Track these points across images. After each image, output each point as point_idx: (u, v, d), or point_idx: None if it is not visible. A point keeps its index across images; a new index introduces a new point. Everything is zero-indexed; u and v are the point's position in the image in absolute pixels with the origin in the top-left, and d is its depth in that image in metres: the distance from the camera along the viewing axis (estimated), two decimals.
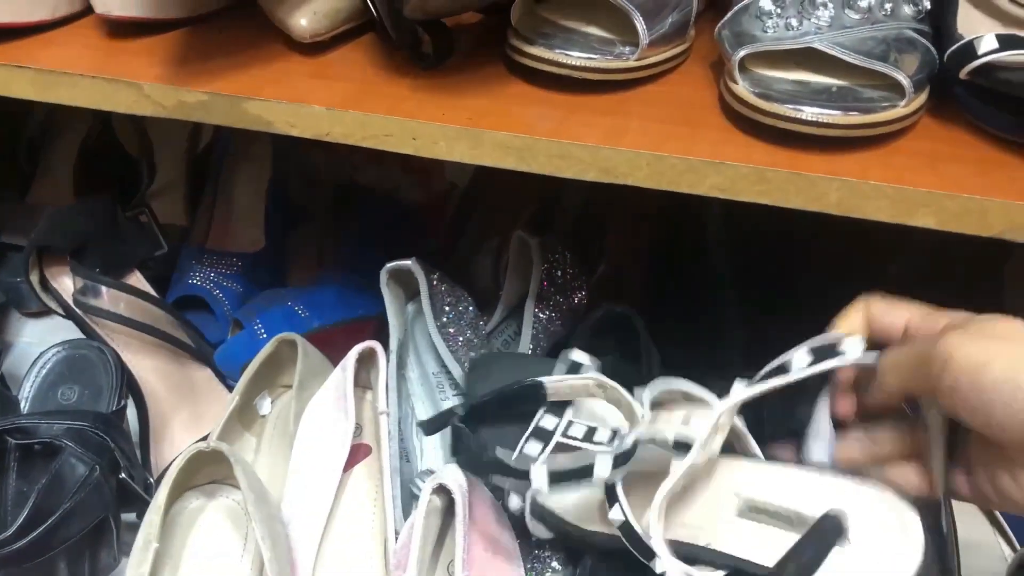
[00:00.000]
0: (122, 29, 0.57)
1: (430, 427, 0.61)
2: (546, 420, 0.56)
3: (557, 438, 0.55)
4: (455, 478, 0.51)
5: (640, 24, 0.49)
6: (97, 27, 0.58)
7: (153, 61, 0.55)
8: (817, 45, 0.46)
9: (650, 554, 0.46)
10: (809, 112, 0.45)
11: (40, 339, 0.80)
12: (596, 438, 0.54)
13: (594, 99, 0.50)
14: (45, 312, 0.82)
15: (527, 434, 0.55)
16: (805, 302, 0.76)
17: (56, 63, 0.54)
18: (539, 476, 0.47)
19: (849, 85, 0.47)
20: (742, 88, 0.47)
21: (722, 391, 0.63)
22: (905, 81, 0.45)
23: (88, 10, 0.59)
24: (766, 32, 0.47)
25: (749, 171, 0.45)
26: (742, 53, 0.47)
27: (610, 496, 0.47)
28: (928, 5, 0.48)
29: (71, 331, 0.72)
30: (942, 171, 0.45)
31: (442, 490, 0.51)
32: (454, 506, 0.51)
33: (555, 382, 0.54)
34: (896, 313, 0.45)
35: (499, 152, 0.48)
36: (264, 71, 0.54)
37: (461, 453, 0.54)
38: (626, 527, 0.47)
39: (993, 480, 0.41)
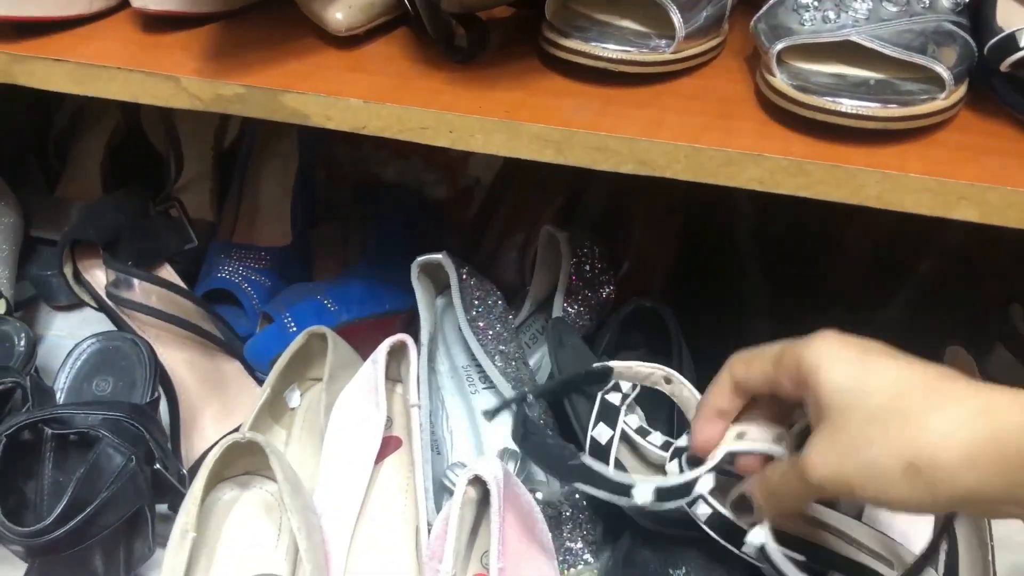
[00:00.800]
0: (158, 23, 0.58)
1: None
2: (611, 396, 0.56)
3: (621, 423, 0.55)
4: (491, 470, 0.51)
5: (677, 17, 0.49)
6: (133, 21, 0.59)
7: (190, 55, 0.55)
8: (855, 38, 0.46)
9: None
10: (848, 104, 0.45)
11: (70, 332, 0.81)
12: (649, 439, 0.55)
13: (630, 92, 0.50)
14: (75, 305, 0.82)
15: (593, 417, 0.55)
16: (832, 295, 0.76)
17: (94, 57, 0.55)
18: (644, 493, 0.47)
19: (888, 78, 0.47)
20: (780, 81, 0.47)
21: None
22: (945, 73, 0.45)
23: (124, 4, 0.59)
24: (803, 25, 0.47)
25: (788, 163, 0.45)
26: (780, 46, 0.47)
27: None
28: None
29: (101, 324, 0.72)
30: (983, 163, 0.45)
31: (477, 481, 0.51)
32: (489, 497, 0.51)
33: (624, 367, 0.55)
34: (754, 369, 0.45)
35: (536, 144, 0.49)
36: (300, 65, 0.54)
37: (528, 441, 0.53)
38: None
39: None
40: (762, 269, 0.73)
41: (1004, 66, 0.45)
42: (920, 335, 0.68)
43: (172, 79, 0.53)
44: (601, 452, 0.54)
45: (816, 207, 0.47)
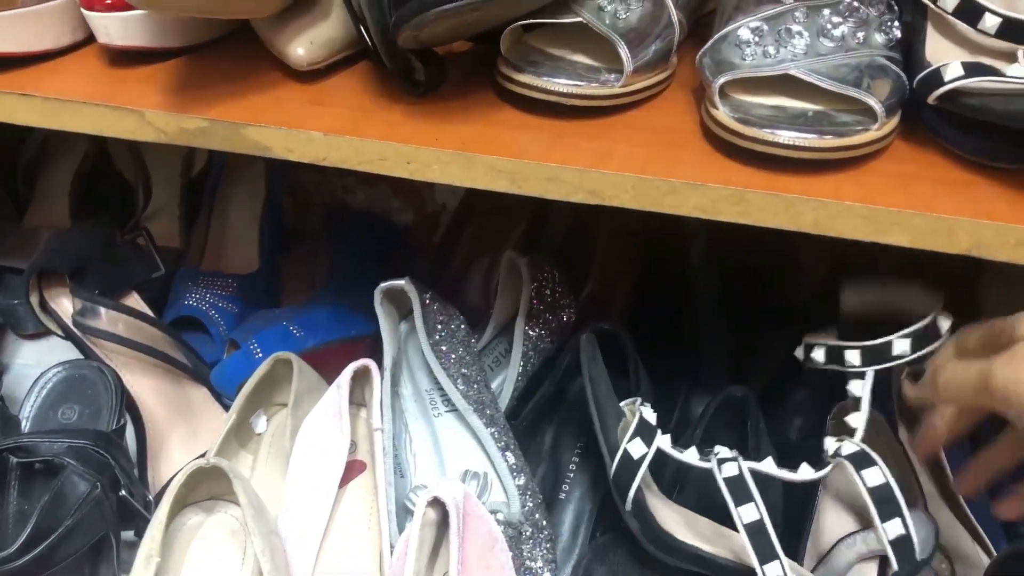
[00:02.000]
0: (123, 58, 0.59)
1: None
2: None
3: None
4: (450, 491, 0.52)
5: (624, 52, 0.51)
6: (99, 56, 0.60)
7: (154, 89, 0.56)
8: (793, 72, 0.48)
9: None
10: (786, 136, 0.47)
11: (36, 360, 0.81)
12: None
13: (581, 124, 0.52)
14: (41, 334, 0.83)
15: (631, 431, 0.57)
16: (784, 317, 0.78)
17: (60, 91, 0.56)
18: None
19: (824, 110, 0.49)
20: (722, 113, 0.49)
21: (706, 406, 0.65)
22: (877, 106, 0.47)
23: (90, 39, 0.61)
24: (745, 60, 0.49)
25: (729, 193, 0.47)
26: (722, 80, 0.49)
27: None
28: (899, 34, 0.51)
29: (67, 352, 0.73)
30: (913, 191, 0.47)
31: (437, 503, 0.53)
32: (448, 519, 0.52)
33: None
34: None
35: (491, 175, 0.50)
36: (262, 98, 0.56)
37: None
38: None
39: None
40: (717, 292, 0.75)
41: (931, 99, 0.48)
42: None
43: (137, 113, 0.55)
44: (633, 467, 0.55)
45: (768, 231, 0.49)
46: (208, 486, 0.59)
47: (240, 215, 0.89)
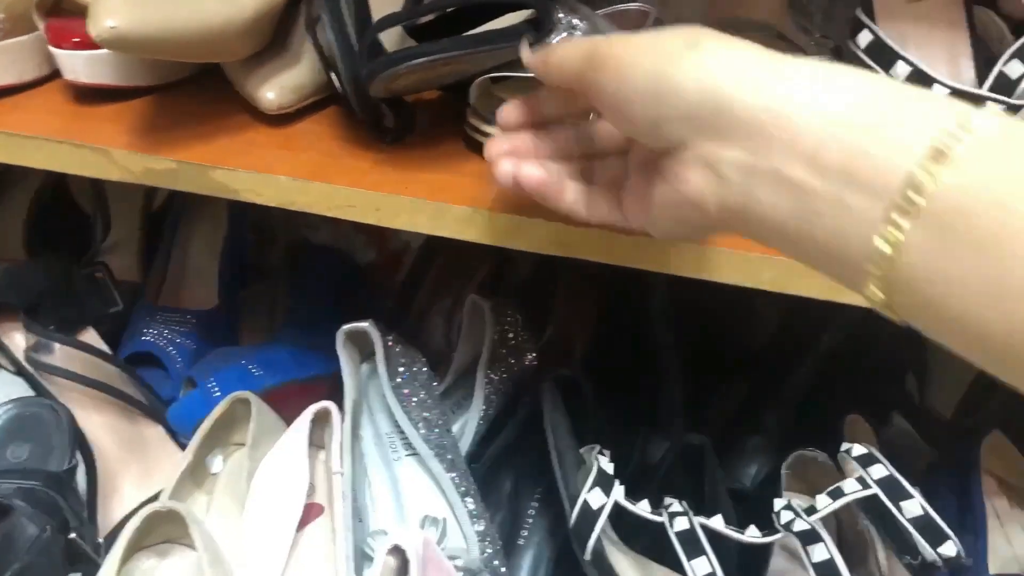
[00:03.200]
0: (90, 95, 0.59)
1: None
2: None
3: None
4: (410, 539, 0.52)
5: None
6: (64, 92, 0.60)
7: (121, 128, 0.56)
8: None
9: None
10: None
11: None
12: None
13: None
14: None
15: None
16: (740, 364, 0.80)
17: (24, 127, 0.56)
18: None
19: None
20: None
21: (665, 453, 0.66)
22: None
23: (55, 74, 0.60)
24: None
25: (691, 250, 0.49)
26: None
27: None
28: None
29: (14, 387, 0.71)
30: None
31: (397, 550, 0.53)
32: (408, 567, 0.52)
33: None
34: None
35: (459, 225, 0.51)
36: (231, 141, 0.56)
37: None
38: None
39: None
40: (675, 339, 0.76)
41: None
42: (823, 404, 0.72)
43: (103, 151, 0.55)
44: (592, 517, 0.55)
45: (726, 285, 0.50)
46: (163, 529, 0.58)
47: (200, 250, 0.88)
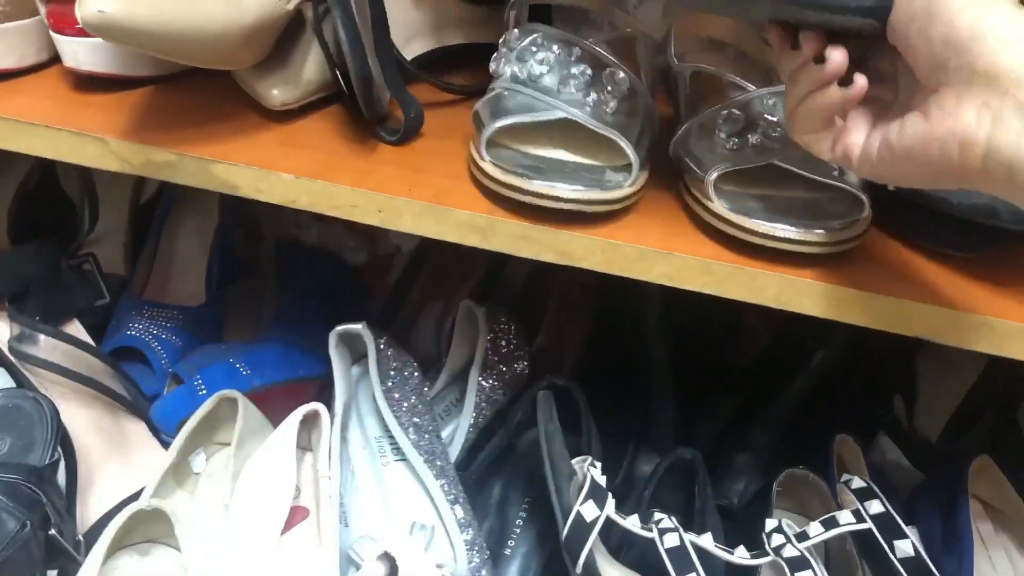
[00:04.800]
0: (89, 82, 0.58)
1: None
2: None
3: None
4: (399, 546, 0.52)
5: (630, 150, 0.49)
6: (64, 78, 0.59)
7: (121, 117, 0.55)
8: (778, 163, 0.49)
9: None
10: (784, 230, 0.48)
11: None
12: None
13: None
14: None
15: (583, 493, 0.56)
16: (731, 380, 0.80)
17: (20, 112, 0.55)
18: None
19: (811, 197, 0.50)
20: (719, 206, 0.49)
21: (656, 467, 0.66)
22: (863, 195, 0.48)
23: (55, 60, 0.59)
24: (727, 149, 0.51)
25: (696, 262, 0.48)
26: (715, 175, 0.49)
27: None
28: None
29: None
30: (871, 274, 0.49)
31: (386, 557, 0.52)
32: (396, 573, 0.51)
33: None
34: None
35: (462, 230, 0.51)
36: (233, 135, 0.55)
37: None
38: None
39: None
40: (667, 352, 0.76)
41: (892, 185, 0.50)
42: (811, 423, 0.73)
43: (101, 141, 0.54)
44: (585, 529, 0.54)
45: (719, 297, 0.50)
46: (146, 528, 0.57)
47: (189, 245, 0.87)
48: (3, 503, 0.53)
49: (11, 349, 0.67)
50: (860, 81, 0.40)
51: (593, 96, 0.51)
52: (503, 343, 0.71)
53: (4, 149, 0.55)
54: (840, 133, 0.42)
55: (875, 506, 0.55)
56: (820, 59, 0.40)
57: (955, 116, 0.35)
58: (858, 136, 0.41)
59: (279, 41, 0.57)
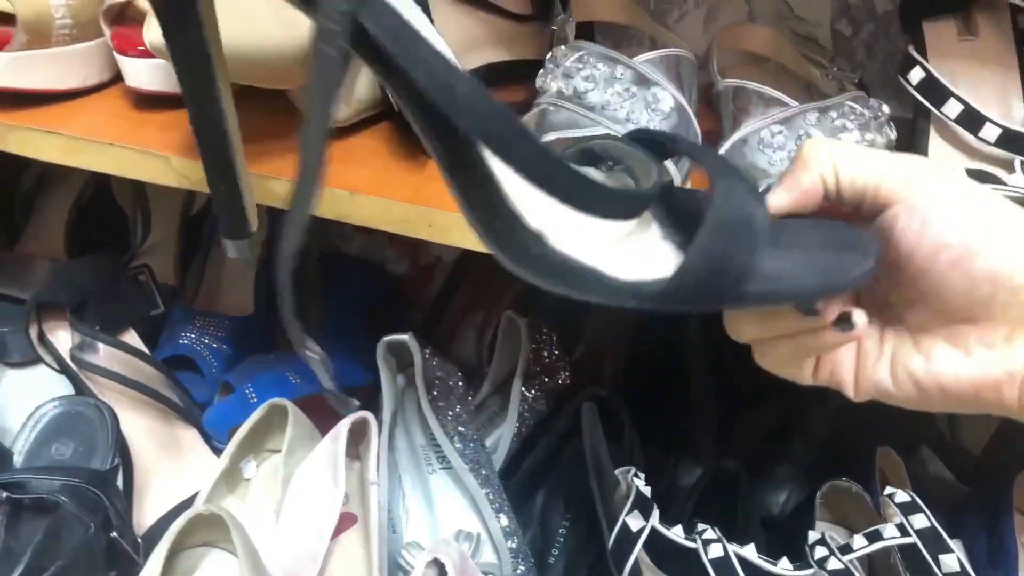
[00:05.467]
0: (149, 101, 0.60)
1: None
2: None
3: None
4: (448, 552, 0.53)
5: (674, 169, 0.51)
6: (126, 97, 0.61)
7: (180, 135, 0.57)
8: None
9: None
10: None
11: (21, 389, 0.80)
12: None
13: None
14: (27, 362, 0.82)
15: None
16: (772, 392, 0.80)
17: (85, 130, 0.57)
18: None
19: None
20: None
21: (699, 478, 0.67)
22: None
23: (116, 79, 0.62)
24: (772, 165, 0.51)
25: None
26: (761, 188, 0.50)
27: None
28: (894, 135, 0.53)
29: (53, 383, 0.72)
30: None
31: (435, 563, 0.53)
32: None
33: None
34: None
35: None
36: (288, 153, 0.57)
37: None
38: None
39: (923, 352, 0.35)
40: (709, 363, 0.77)
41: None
42: (853, 435, 0.73)
43: (163, 158, 0.56)
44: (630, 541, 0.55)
45: None
46: (203, 532, 0.58)
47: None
48: (68, 506, 0.55)
49: (73, 358, 0.69)
50: (860, 321, 0.35)
51: (636, 113, 0.52)
52: (545, 354, 0.73)
53: (71, 166, 0.57)
54: (824, 361, 0.39)
55: (920, 520, 0.55)
56: (841, 322, 0.36)
57: (1011, 357, 0.33)
58: (847, 365, 0.38)
59: None
